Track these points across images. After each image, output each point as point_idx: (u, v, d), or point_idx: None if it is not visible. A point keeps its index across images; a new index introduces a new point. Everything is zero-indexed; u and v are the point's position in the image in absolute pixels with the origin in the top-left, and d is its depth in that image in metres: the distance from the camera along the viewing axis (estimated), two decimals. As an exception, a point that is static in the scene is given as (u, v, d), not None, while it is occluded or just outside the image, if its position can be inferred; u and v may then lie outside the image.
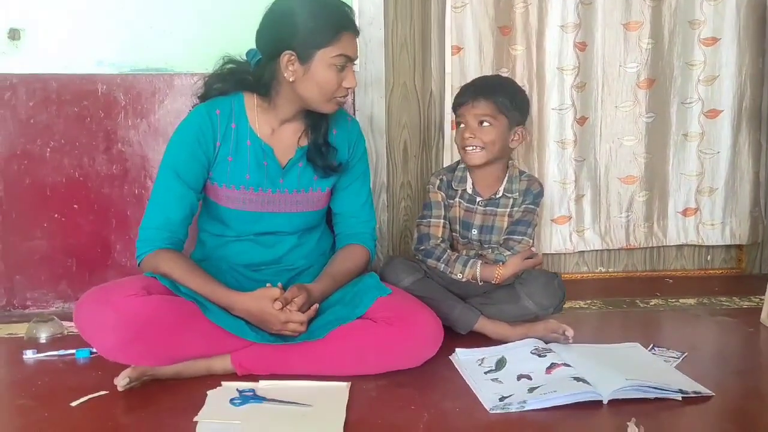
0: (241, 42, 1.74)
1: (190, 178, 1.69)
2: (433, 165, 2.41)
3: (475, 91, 1.90)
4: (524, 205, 1.93)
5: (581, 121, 2.43)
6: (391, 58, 2.32)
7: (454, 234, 1.98)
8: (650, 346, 1.78)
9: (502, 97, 1.87)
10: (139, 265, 1.67)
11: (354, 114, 2.25)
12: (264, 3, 1.67)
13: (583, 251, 2.54)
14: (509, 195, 1.94)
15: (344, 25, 1.62)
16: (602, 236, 2.52)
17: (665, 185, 2.51)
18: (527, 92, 2.36)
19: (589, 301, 2.24)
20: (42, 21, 2.10)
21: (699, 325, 2.05)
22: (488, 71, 2.34)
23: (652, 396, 1.46)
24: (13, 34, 2.09)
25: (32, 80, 2.11)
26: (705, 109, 2.46)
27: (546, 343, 1.75)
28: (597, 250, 2.55)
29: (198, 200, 1.74)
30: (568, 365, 1.57)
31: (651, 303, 2.24)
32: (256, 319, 1.59)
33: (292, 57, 1.61)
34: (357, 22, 1.68)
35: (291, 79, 1.63)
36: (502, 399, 1.46)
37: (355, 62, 1.69)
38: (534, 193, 1.94)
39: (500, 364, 1.64)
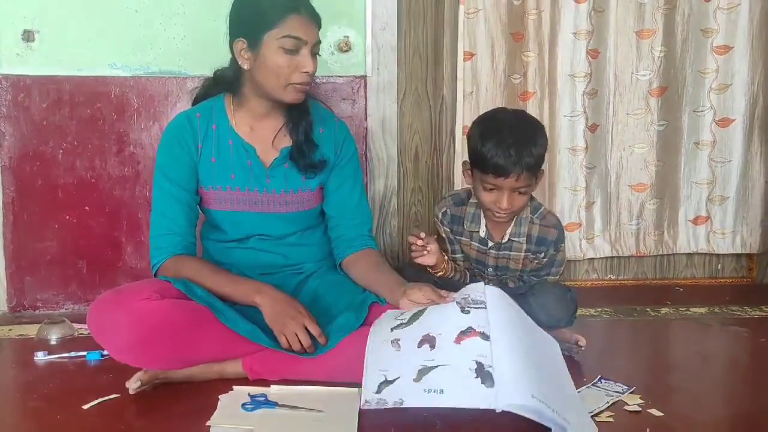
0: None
1: (180, 179, 1.69)
2: (443, 171, 2.41)
3: (518, 164, 1.64)
4: (548, 255, 1.81)
5: (593, 128, 2.43)
6: (404, 64, 2.32)
7: (469, 266, 1.90)
8: (597, 378, 1.60)
9: (539, 161, 1.69)
10: (155, 275, 1.67)
11: (366, 119, 2.26)
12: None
13: (592, 258, 2.53)
14: (515, 239, 1.80)
15: (290, 6, 1.58)
16: (612, 243, 2.52)
17: (676, 193, 2.51)
18: (539, 99, 2.38)
19: (599, 309, 2.24)
20: (56, 23, 2.11)
21: (710, 335, 2.04)
22: (500, 77, 2.35)
23: (538, 422, 1.27)
24: (27, 36, 2.10)
25: (45, 82, 2.12)
26: (717, 118, 2.46)
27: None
28: (607, 258, 2.55)
29: (195, 202, 1.74)
30: (486, 336, 1.38)
31: (661, 311, 2.23)
32: (280, 307, 1.57)
33: (243, 44, 1.61)
34: (310, 6, 1.62)
35: (246, 67, 1.63)
36: (382, 384, 1.35)
37: (316, 47, 1.61)
38: (553, 240, 1.80)
39: (415, 316, 1.50)
